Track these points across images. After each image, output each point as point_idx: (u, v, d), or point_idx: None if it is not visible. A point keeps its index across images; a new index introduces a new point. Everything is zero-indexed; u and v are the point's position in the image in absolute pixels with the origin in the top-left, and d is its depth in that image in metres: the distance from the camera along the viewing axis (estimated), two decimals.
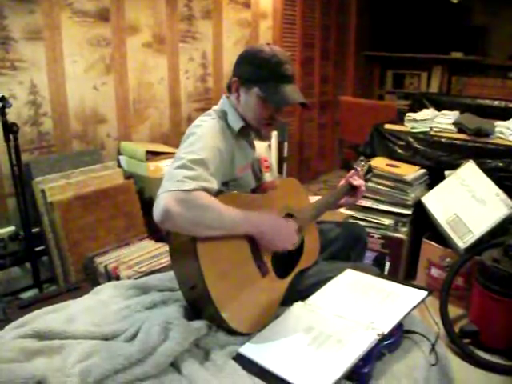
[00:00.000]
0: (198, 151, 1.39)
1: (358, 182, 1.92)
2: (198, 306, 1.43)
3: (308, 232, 1.73)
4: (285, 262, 1.60)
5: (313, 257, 1.76)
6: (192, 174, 1.33)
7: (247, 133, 1.64)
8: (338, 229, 1.97)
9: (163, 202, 1.27)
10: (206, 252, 1.34)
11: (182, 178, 1.31)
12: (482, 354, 2.33)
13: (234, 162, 1.56)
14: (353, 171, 1.95)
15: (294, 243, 1.56)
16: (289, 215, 1.65)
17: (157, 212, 1.28)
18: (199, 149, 1.40)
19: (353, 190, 1.93)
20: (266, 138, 1.70)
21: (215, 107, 1.63)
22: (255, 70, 1.54)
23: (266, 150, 1.82)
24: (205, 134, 1.46)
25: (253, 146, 1.70)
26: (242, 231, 1.42)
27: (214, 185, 1.38)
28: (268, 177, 1.77)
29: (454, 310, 2.62)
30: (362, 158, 2.07)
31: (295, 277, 1.64)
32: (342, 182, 1.95)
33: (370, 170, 2.04)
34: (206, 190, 1.33)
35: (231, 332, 1.40)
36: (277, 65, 1.53)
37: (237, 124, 1.58)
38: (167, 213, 1.26)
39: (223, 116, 1.59)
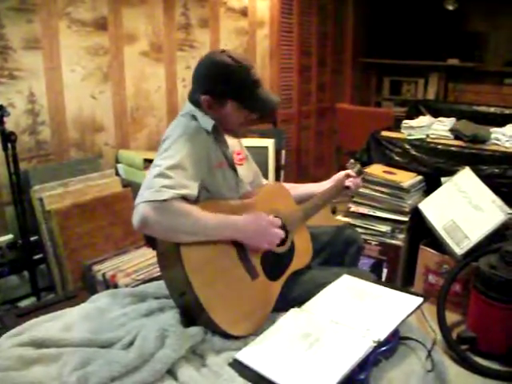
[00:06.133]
0: (174, 154, 1.41)
1: (350, 182, 1.96)
2: (190, 312, 1.44)
3: (298, 233, 1.73)
4: (276, 264, 1.61)
5: (306, 258, 1.75)
6: (169, 182, 1.35)
7: (219, 130, 1.63)
8: (331, 233, 1.95)
9: (141, 211, 1.33)
10: (191, 257, 1.36)
11: (159, 188, 1.33)
12: (479, 360, 2.33)
13: (211, 159, 1.55)
14: (339, 172, 1.97)
15: (280, 237, 1.54)
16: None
17: (135, 220, 1.35)
18: (175, 152, 1.42)
19: (345, 190, 1.97)
20: (242, 135, 1.71)
21: (182, 112, 1.62)
22: (227, 85, 1.53)
23: (239, 142, 1.82)
24: (179, 136, 1.47)
25: (225, 142, 1.69)
26: (225, 236, 1.44)
27: (193, 189, 1.40)
28: (245, 176, 1.76)
29: (451, 317, 2.62)
30: (351, 160, 2.07)
31: (290, 283, 1.64)
32: (331, 183, 1.96)
33: (360, 171, 2.04)
34: (183, 197, 1.36)
35: (227, 337, 1.40)
36: (246, 74, 1.54)
37: (208, 124, 1.57)
38: (145, 221, 1.33)
39: (193, 118, 1.58)
